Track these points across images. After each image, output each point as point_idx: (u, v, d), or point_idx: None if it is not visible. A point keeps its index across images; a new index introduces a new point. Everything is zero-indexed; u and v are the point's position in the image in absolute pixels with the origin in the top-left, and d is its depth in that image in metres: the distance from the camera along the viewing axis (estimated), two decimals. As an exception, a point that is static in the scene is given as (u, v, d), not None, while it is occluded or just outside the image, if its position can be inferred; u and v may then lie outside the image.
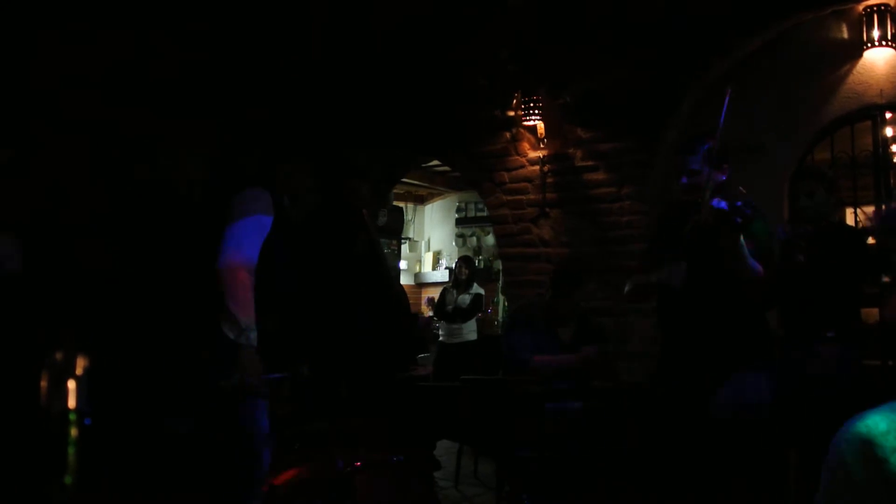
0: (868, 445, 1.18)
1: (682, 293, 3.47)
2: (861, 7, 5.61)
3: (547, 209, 6.33)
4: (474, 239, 12.15)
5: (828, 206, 4.37)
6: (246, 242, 3.18)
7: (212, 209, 3.31)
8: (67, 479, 0.96)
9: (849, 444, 1.21)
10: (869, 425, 1.21)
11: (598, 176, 6.10)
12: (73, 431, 0.98)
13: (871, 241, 5.70)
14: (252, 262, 3.16)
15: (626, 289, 4.03)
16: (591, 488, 4.34)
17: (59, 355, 0.98)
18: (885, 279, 4.26)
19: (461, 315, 8.61)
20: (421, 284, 12.39)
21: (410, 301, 7.35)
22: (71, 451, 0.97)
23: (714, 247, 3.38)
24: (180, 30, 5.06)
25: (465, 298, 8.65)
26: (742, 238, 3.29)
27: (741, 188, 3.60)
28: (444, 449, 6.26)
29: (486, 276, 10.94)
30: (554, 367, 4.72)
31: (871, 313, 4.94)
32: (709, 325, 3.49)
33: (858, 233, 4.76)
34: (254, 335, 3.11)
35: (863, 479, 1.17)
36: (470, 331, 8.61)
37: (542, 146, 6.31)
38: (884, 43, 5.61)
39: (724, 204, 3.25)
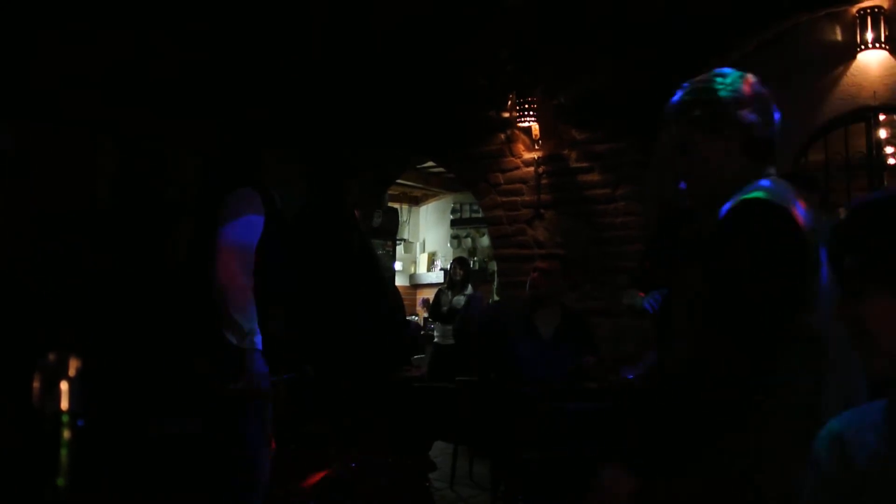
0: (839, 443, 1.22)
1: (678, 294, 3.49)
2: (854, 9, 5.65)
3: (542, 210, 6.35)
4: (469, 240, 12.18)
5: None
6: (240, 245, 3.15)
7: (210, 210, 3.28)
8: (60, 481, 0.97)
9: (823, 442, 1.25)
10: (842, 424, 1.25)
11: (593, 177, 6.13)
12: (66, 433, 0.98)
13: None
14: (248, 266, 3.12)
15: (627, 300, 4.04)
16: (588, 489, 4.35)
17: (52, 356, 0.99)
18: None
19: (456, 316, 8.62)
20: (416, 285, 12.40)
21: (405, 302, 7.36)
22: (64, 452, 0.97)
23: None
24: (180, 30, 5.06)
25: (461, 300, 8.65)
26: None
27: None
28: (440, 450, 6.26)
29: (481, 278, 10.95)
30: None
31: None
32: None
33: None
34: (258, 338, 3.07)
35: (834, 476, 1.22)
36: (464, 332, 8.61)
37: (536, 147, 6.34)
38: (877, 45, 5.65)
39: None
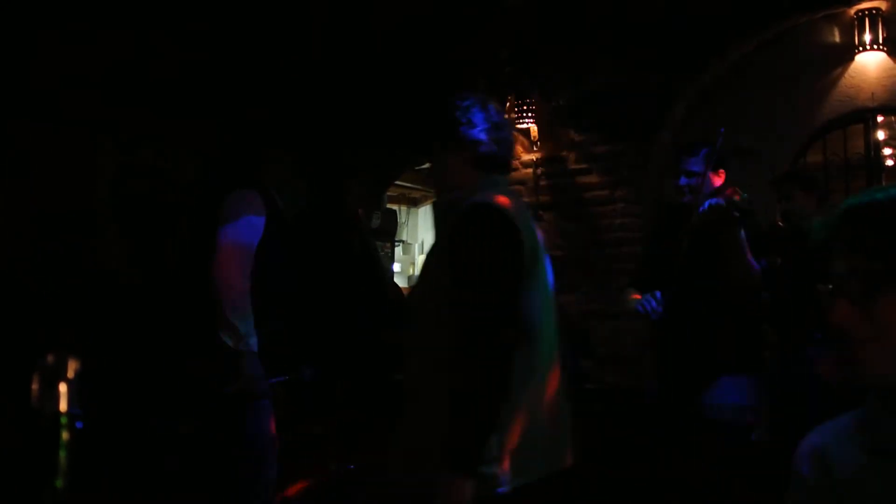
0: (820, 452, 1.25)
1: (677, 295, 3.50)
2: (853, 11, 5.66)
3: (540, 212, 6.35)
4: (468, 241, 12.14)
5: (809, 207, 4.43)
6: (239, 246, 3.14)
7: (210, 210, 3.28)
8: (59, 482, 0.97)
9: (805, 454, 1.27)
10: (823, 434, 1.27)
11: (592, 178, 6.14)
12: (65, 434, 0.98)
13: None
14: (247, 267, 3.11)
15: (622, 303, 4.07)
16: (586, 491, 4.36)
17: (51, 357, 0.99)
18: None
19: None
20: (414, 287, 12.36)
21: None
22: (62, 453, 0.97)
23: (711, 249, 3.41)
24: (180, 30, 5.06)
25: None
26: (742, 233, 3.34)
27: (737, 188, 3.65)
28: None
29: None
30: None
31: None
32: (702, 329, 3.51)
33: None
34: (254, 340, 3.06)
35: (815, 485, 1.24)
36: (463, 333, 8.58)
37: (535, 149, 6.34)
38: (875, 46, 5.66)
39: (721, 200, 3.31)
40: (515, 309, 2.10)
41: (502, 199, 2.20)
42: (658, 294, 3.42)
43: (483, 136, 2.32)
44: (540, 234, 2.32)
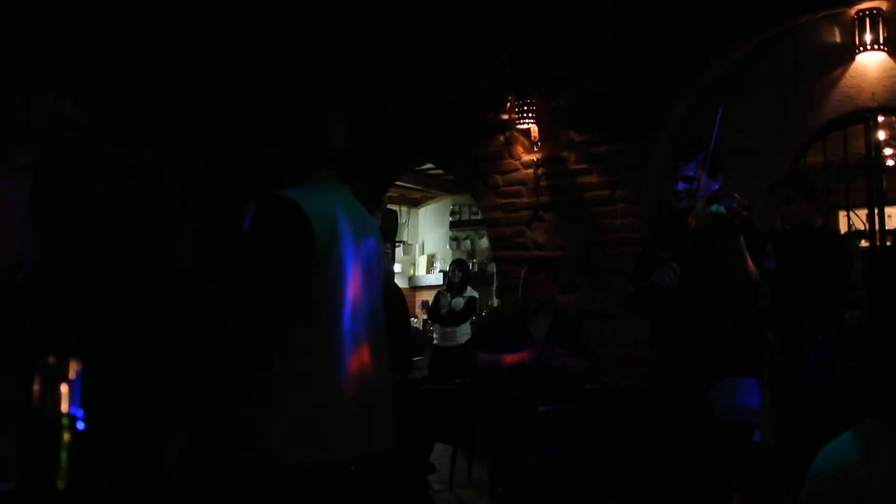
0: (846, 473, 1.23)
1: (677, 298, 3.49)
2: (853, 11, 5.66)
3: (541, 212, 6.36)
4: (468, 242, 12.17)
5: (808, 210, 4.43)
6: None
7: (211, 209, 3.28)
8: (58, 483, 0.96)
9: (828, 471, 1.24)
10: (847, 453, 1.25)
11: (592, 179, 6.14)
12: (66, 435, 0.97)
13: (864, 243, 5.77)
14: None
15: (624, 298, 4.07)
16: (586, 491, 4.36)
17: (51, 358, 0.99)
18: None
19: (455, 318, 8.62)
20: (415, 287, 12.38)
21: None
22: (63, 454, 0.97)
23: (711, 253, 3.40)
24: (180, 30, 5.07)
25: (459, 302, 8.67)
26: (743, 240, 3.32)
27: (736, 194, 3.64)
28: (439, 452, 6.26)
29: (480, 280, 10.96)
30: (493, 364, 4.75)
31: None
32: (702, 330, 3.51)
33: (836, 236, 4.83)
34: None
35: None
36: (464, 334, 8.59)
37: (535, 149, 6.34)
38: (876, 47, 5.65)
39: (722, 208, 3.29)
40: (276, 294, 2.17)
41: (302, 191, 2.28)
42: (675, 266, 3.40)
43: (311, 131, 2.49)
44: (355, 223, 2.40)
